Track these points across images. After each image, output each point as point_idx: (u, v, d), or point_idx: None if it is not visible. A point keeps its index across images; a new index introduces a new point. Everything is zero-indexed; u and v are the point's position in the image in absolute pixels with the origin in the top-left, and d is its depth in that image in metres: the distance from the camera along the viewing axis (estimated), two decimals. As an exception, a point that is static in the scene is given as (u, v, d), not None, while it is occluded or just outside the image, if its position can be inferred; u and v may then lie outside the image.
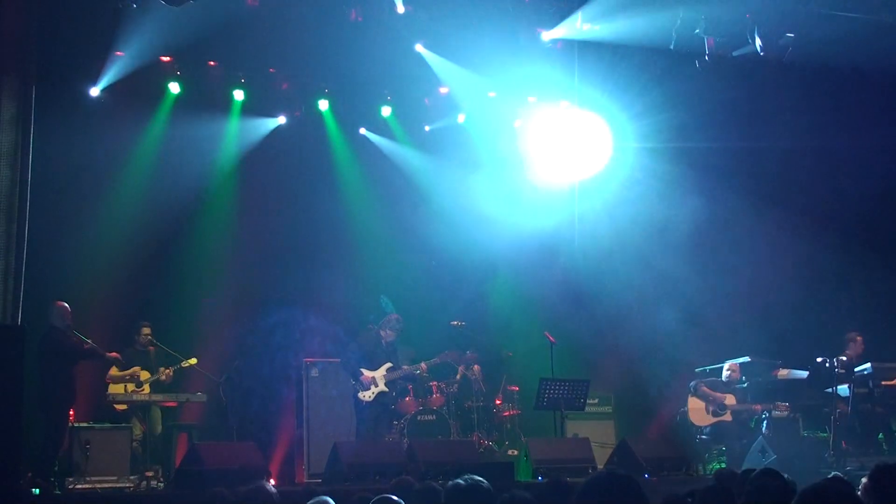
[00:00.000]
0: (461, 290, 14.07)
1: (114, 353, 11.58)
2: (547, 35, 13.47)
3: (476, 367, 13.95)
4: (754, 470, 5.14)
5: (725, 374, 13.22)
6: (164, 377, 12.10)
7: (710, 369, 13.62)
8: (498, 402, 13.98)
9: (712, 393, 12.99)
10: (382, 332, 12.27)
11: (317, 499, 5.78)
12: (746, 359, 13.54)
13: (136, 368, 12.12)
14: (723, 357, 13.53)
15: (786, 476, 5.06)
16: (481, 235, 14.45)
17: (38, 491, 9.68)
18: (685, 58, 13.35)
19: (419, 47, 13.86)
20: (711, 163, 14.50)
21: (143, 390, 12.07)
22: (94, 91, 13.27)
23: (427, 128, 15.45)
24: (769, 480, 4.63)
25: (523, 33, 13.51)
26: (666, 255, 14.24)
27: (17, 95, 10.36)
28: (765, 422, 13.11)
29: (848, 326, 13.33)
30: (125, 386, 11.98)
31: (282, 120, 14.69)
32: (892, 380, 12.57)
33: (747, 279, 14.05)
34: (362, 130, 15.28)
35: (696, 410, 12.98)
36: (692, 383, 13.15)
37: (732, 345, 13.87)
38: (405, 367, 12.55)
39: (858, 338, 12.98)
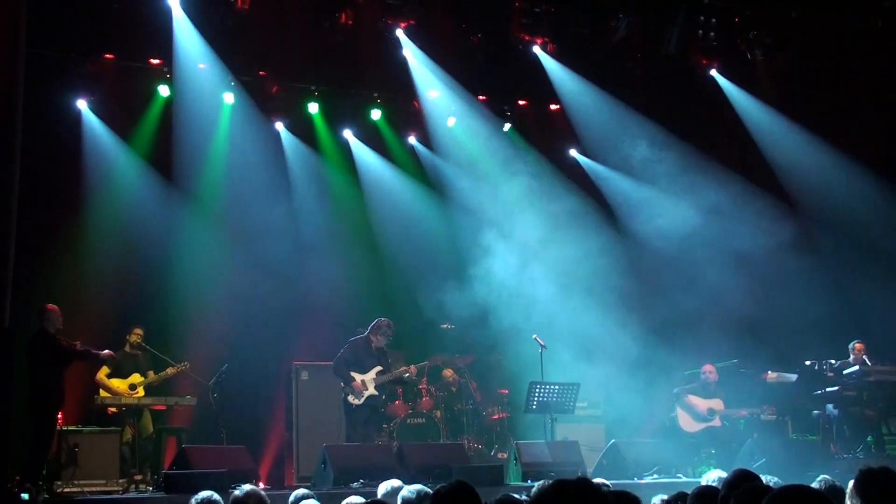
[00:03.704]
0: (451, 292, 14.04)
1: (106, 352, 11.50)
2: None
3: (448, 370, 13.96)
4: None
5: (703, 376, 13.21)
6: (167, 374, 12.15)
7: (695, 373, 13.63)
8: (478, 399, 13.99)
9: (699, 401, 12.97)
10: (372, 337, 12.23)
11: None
12: (733, 361, 13.58)
13: (136, 376, 12.15)
14: (713, 360, 13.54)
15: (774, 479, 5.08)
16: (473, 238, 14.46)
17: (27, 495, 9.63)
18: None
19: (408, 51, 13.91)
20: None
21: (135, 393, 12.05)
22: (85, 92, 13.29)
23: (412, 139, 15.51)
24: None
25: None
26: (657, 259, 14.30)
27: (5, 97, 10.32)
28: (754, 425, 13.13)
29: (840, 330, 13.39)
30: (117, 389, 11.98)
31: (275, 123, 14.71)
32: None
33: (738, 283, 14.09)
34: (350, 133, 15.29)
35: (685, 417, 12.99)
36: (675, 391, 13.14)
37: (721, 348, 13.91)
38: (395, 370, 12.52)
39: (858, 346, 12.96)
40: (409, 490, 5.37)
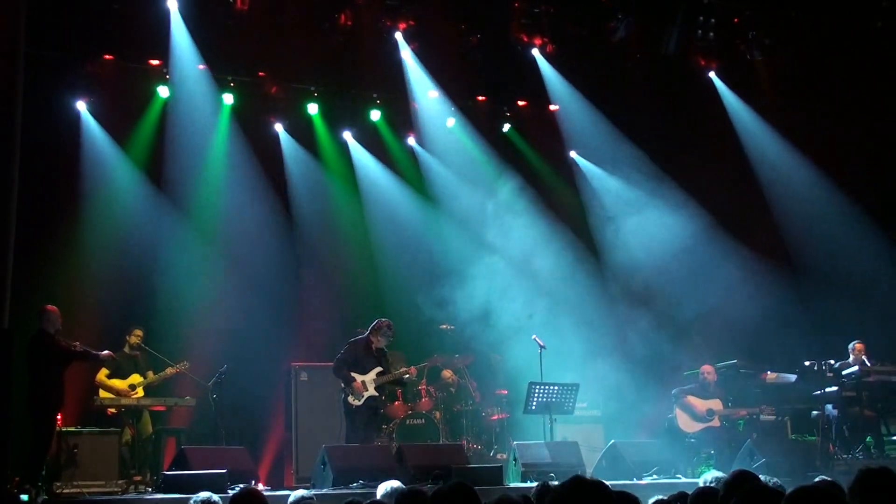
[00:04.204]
0: (450, 293, 14.05)
1: (106, 352, 11.48)
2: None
3: (447, 371, 13.96)
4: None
5: (702, 377, 13.19)
6: (166, 374, 12.15)
7: (694, 373, 13.63)
8: (477, 400, 14.01)
9: (698, 402, 12.96)
10: (373, 338, 12.20)
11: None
12: (733, 362, 13.57)
13: (135, 376, 12.16)
14: (712, 360, 13.54)
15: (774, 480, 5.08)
16: (473, 237, 14.46)
17: (26, 496, 9.63)
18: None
19: (407, 53, 13.93)
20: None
21: (134, 394, 12.05)
22: (84, 93, 13.30)
23: (412, 141, 15.51)
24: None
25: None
26: (655, 261, 14.30)
27: (5, 97, 10.32)
28: (753, 425, 13.12)
29: (838, 330, 13.39)
30: (116, 390, 11.99)
31: (274, 124, 14.71)
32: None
33: (737, 286, 14.10)
34: (349, 135, 15.28)
35: (684, 417, 12.98)
36: (674, 392, 13.12)
37: (721, 348, 13.90)
38: (395, 371, 12.50)
39: (858, 346, 12.95)
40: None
